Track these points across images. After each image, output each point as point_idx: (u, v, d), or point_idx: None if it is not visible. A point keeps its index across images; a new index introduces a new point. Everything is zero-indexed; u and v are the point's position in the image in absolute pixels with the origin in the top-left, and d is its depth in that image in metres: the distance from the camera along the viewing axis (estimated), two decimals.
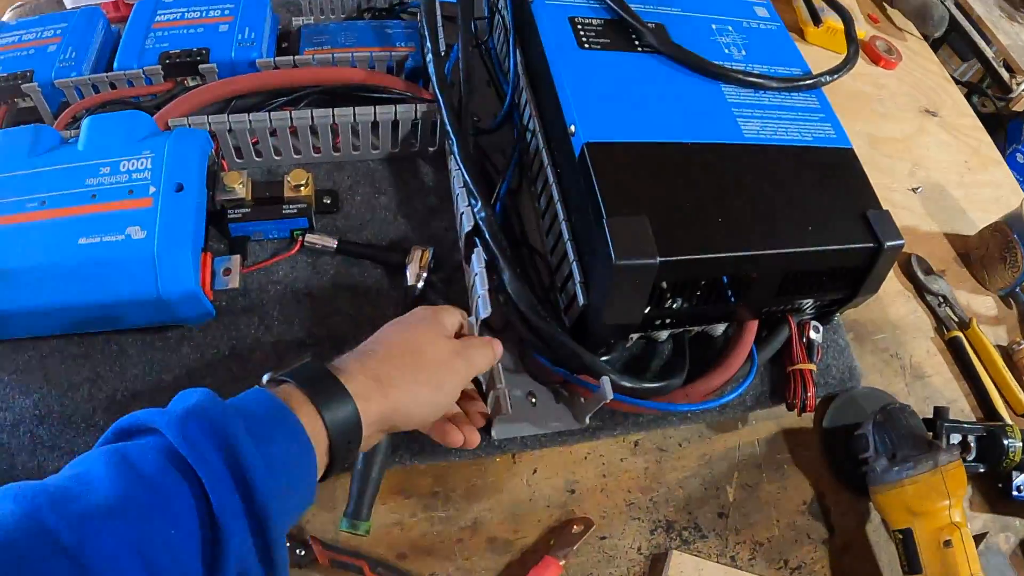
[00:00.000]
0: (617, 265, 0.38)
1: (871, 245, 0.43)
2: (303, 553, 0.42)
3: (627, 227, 0.39)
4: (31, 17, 0.60)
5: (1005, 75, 0.92)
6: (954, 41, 0.99)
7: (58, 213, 0.44)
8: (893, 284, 0.63)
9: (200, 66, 0.50)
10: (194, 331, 0.47)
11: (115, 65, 0.52)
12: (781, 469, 0.51)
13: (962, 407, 0.57)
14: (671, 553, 0.45)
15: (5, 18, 0.65)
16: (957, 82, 0.88)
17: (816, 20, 0.66)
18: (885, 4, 0.89)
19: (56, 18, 0.57)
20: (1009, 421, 0.56)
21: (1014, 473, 0.51)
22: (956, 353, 0.60)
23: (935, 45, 0.96)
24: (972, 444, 0.51)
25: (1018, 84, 0.88)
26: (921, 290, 0.63)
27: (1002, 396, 0.58)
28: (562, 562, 0.43)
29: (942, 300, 0.62)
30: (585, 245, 0.44)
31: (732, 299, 0.45)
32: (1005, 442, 0.50)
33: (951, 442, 0.50)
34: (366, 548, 0.43)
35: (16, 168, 0.46)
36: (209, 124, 0.47)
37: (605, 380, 0.41)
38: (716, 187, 0.43)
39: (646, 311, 0.42)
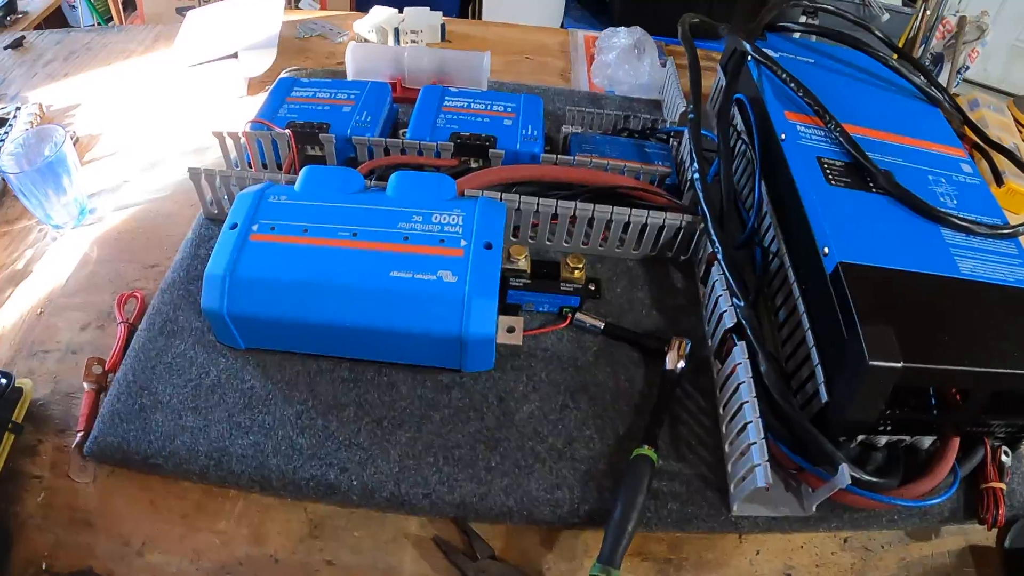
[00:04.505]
0: (870, 365, 0.44)
1: None
2: None
3: (877, 334, 0.45)
4: (322, 79, 0.69)
5: None
6: None
7: (370, 245, 0.50)
8: None
9: (489, 151, 0.58)
10: (465, 378, 0.52)
11: (407, 135, 0.60)
12: None
13: None
14: None
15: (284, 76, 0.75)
16: None
17: (999, 181, 0.74)
18: None
19: (349, 84, 0.66)
20: None
21: None
22: None
23: None
24: None
25: None
26: None
27: None
28: None
29: None
30: (829, 350, 0.50)
31: (947, 411, 0.50)
32: None
33: None
34: None
35: (328, 200, 0.53)
36: (501, 200, 0.54)
37: (844, 467, 0.45)
38: (941, 311, 0.50)
39: (882, 411, 0.47)
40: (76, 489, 0.49)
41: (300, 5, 1.15)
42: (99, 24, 1.67)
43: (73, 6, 1.66)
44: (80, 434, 0.51)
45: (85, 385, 0.53)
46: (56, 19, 1.24)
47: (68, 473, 0.50)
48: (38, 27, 1.10)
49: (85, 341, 0.58)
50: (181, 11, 1.49)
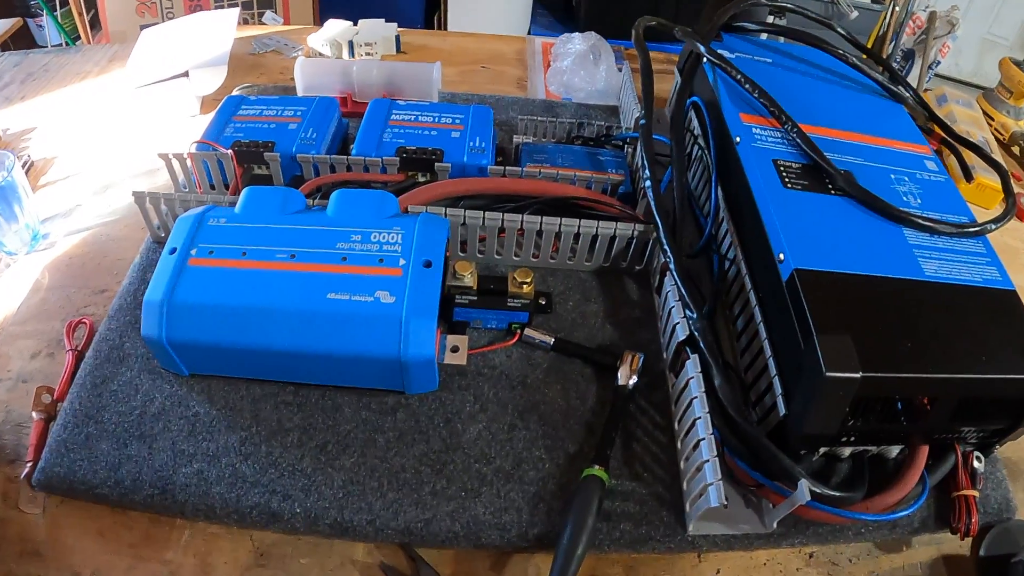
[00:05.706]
0: (826, 377, 0.42)
1: None
2: None
3: (834, 344, 0.44)
4: (270, 96, 0.68)
5: None
6: None
7: (308, 267, 0.49)
8: None
9: (436, 164, 0.57)
10: (411, 400, 0.51)
11: (353, 151, 0.59)
12: None
13: None
14: None
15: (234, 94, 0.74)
16: None
17: (968, 177, 0.72)
18: None
19: (296, 101, 0.65)
20: None
21: None
22: None
23: None
24: None
25: None
26: None
27: None
28: None
29: None
30: (787, 360, 0.48)
31: (914, 419, 0.48)
32: None
33: None
34: None
35: (268, 221, 0.52)
36: (446, 215, 0.53)
37: (803, 483, 0.44)
38: (903, 316, 0.48)
39: (843, 423, 0.45)
40: (26, 520, 0.48)
41: (264, 20, 1.14)
42: (67, 43, 1.67)
43: (41, 25, 1.66)
44: (29, 464, 0.49)
45: (34, 415, 0.52)
46: (24, 38, 1.23)
47: (18, 504, 0.49)
48: (4, 47, 1.09)
49: (35, 369, 0.57)
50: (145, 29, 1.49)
